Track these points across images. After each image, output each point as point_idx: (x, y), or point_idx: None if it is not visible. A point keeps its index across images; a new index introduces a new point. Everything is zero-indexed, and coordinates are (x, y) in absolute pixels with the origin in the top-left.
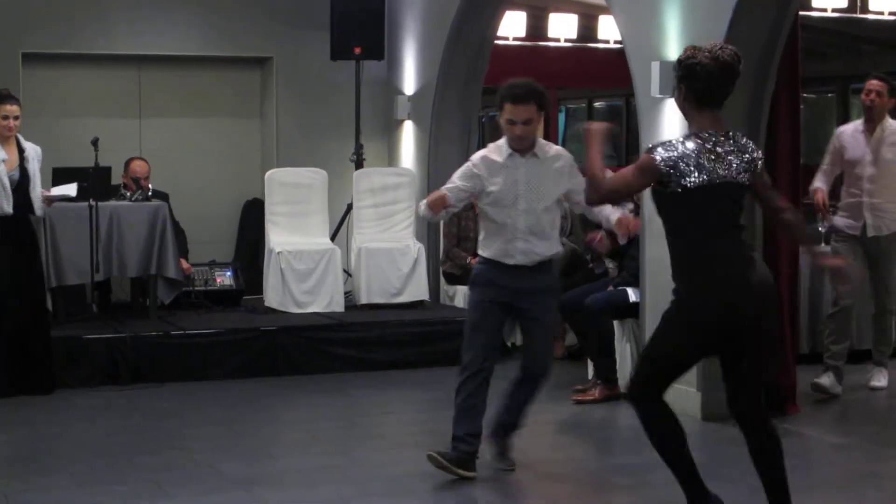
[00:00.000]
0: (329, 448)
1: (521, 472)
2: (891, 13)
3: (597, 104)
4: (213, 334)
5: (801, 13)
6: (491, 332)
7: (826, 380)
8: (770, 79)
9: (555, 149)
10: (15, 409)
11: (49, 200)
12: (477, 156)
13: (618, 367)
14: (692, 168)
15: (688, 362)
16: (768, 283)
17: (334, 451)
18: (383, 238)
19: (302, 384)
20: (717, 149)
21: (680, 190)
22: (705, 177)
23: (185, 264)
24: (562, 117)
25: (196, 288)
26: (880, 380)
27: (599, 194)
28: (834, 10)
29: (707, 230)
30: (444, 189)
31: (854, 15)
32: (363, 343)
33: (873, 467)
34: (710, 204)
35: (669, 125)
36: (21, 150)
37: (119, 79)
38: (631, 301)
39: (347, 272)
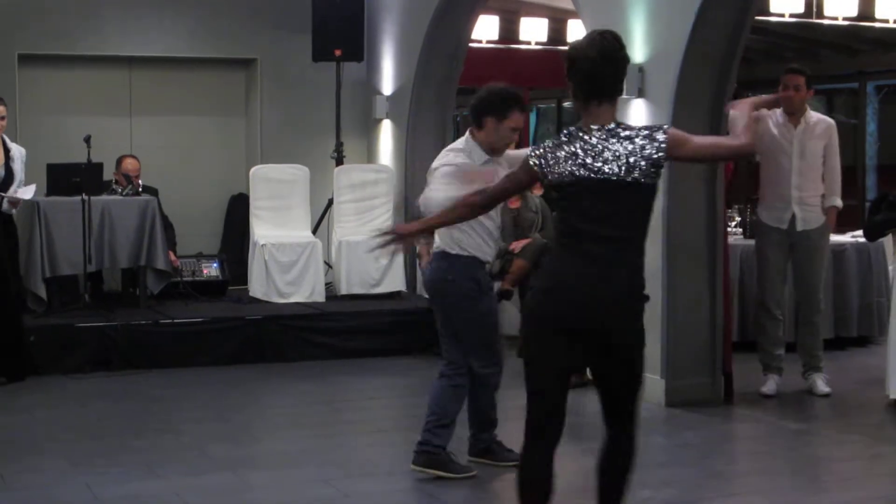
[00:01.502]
0: (312, 431)
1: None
2: (844, 18)
3: (566, 104)
4: (201, 323)
5: (761, 18)
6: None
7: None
8: (731, 79)
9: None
10: (11, 394)
11: (14, 202)
12: (457, 160)
13: None
14: (558, 163)
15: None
16: (617, 298)
17: (317, 434)
18: (362, 231)
19: (285, 371)
20: (595, 144)
21: (554, 182)
22: (567, 171)
23: (171, 257)
24: (533, 117)
25: (184, 279)
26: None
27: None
28: (791, 15)
29: (568, 228)
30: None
31: (810, 20)
32: (344, 332)
33: (829, 452)
34: (575, 202)
35: (635, 123)
36: (6, 150)
37: (111, 79)
38: None
39: (328, 264)
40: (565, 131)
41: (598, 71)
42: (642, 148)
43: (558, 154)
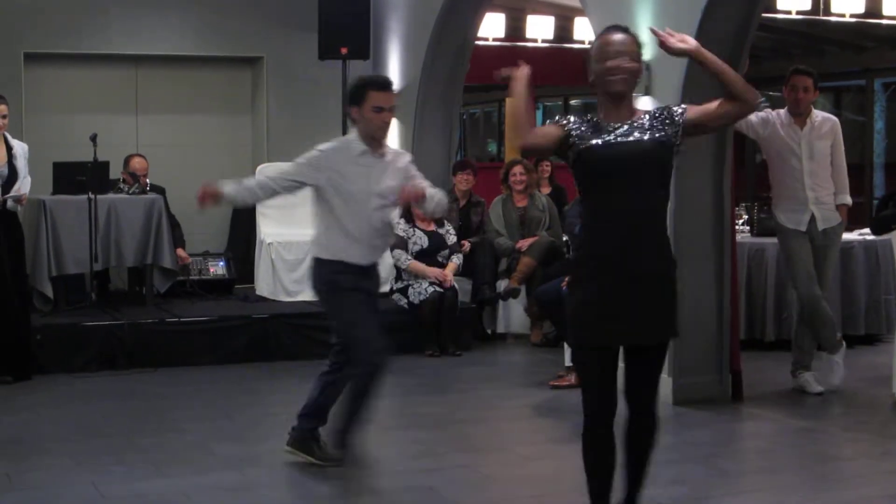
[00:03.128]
0: None
1: (498, 454)
2: (851, 15)
3: (573, 101)
4: (207, 321)
5: (768, 15)
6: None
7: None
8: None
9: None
10: (17, 393)
11: (18, 199)
12: (323, 146)
13: None
14: (589, 134)
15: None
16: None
17: (322, 432)
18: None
19: (291, 369)
20: (620, 126)
21: (583, 154)
22: (601, 141)
23: (182, 253)
24: (539, 114)
25: (190, 277)
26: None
27: (523, 139)
28: (798, 12)
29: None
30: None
31: (817, 17)
32: None
33: (837, 450)
34: (603, 175)
35: None
36: (9, 148)
37: (117, 77)
38: None
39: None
40: (591, 117)
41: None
42: (663, 116)
43: (586, 129)
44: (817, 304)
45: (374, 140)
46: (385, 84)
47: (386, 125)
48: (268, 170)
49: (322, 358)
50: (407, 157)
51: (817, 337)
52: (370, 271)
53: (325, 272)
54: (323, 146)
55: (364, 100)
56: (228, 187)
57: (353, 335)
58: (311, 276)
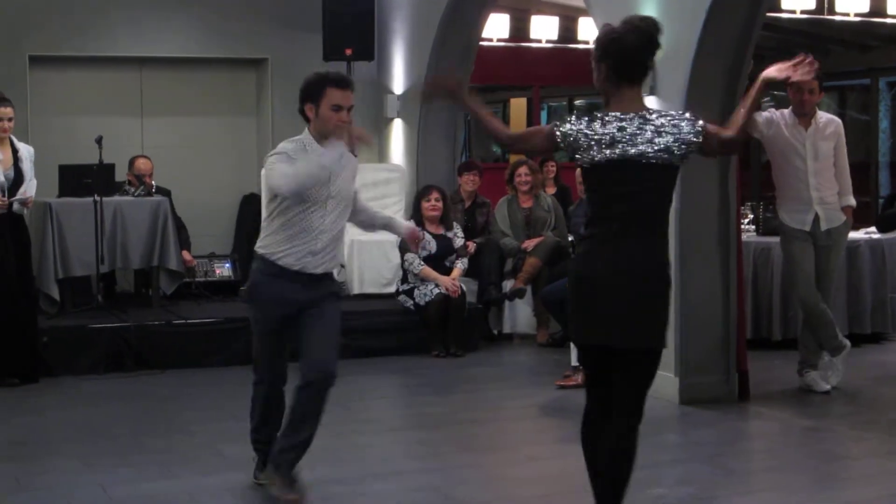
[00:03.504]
0: (325, 430)
1: (505, 454)
2: (856, 14)
3: (577, 102)
4: (213, 323)
5: (772, 14)
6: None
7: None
8: (743, 75)
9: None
10: (24, 396)
11: (24, 202)
12: (287, 146)
13: None
14: (591, 145)
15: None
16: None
17: (330, 433)
18: (375, 232)
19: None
20: (626, 128)
21: (587, 166)
22: (603, 155)
23: (188, 256)
24: (544, 115)
25: (196, 279)
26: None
27: (503, 138)
28: (803, 12)
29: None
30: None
31: (822, 16)
32: (356, 331)
33: (844, 449)
34: (606, 183)
35: None
36: (14, 151)
37: (122, 80)
38: None
39: (341, 264)
40: (597, 114)
41: (638, 54)
42: (678, 130)
43: (591, 136)
44: (815, 307)
45: (328, 140)
46: (345, 81)
47: (343, 125)
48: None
49: None
50: (354, 161)
51: (818, 339)
52: (322, 280)
53: (261, 271)
54: (282, 148)
55: (322, 97)
56: None
57: (266, 353)
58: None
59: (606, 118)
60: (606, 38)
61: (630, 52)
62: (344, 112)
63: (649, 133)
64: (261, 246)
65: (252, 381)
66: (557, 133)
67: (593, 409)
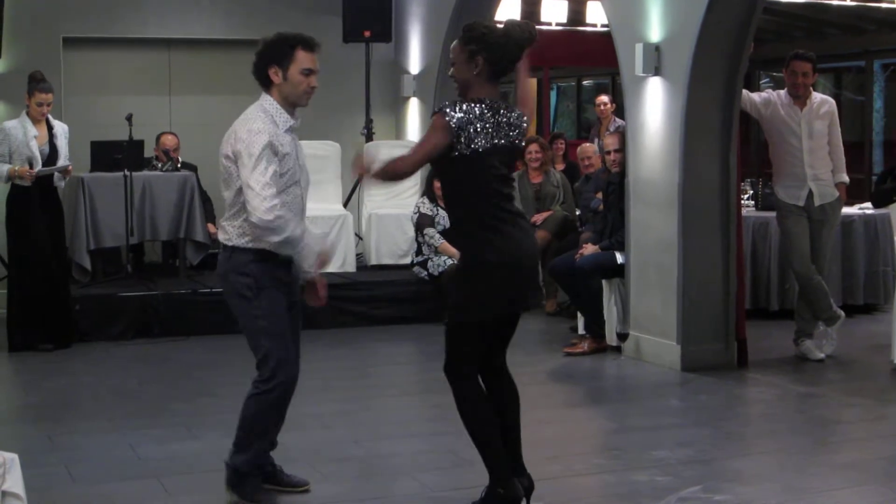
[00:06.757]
0: (343, 395)
1: None
2: None
3: (585, 82)
4: None
5: None
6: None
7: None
8: (744, 58)
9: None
10: (57, 360)
11: (64, 172)
12: (266, 128)
13: (605, 321)
14: (479, 131)
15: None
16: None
17: (348, 397)
18: (391, 205)
19: (318, 337)
20: (501, 115)
21: (468, 153)
22: (487, 141)
23: (213, 228)
24: (553, 95)
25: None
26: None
27: (410, 171)
28: None
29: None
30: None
31: (819, 1)
32: (373, 300)
33: (837, 414)
34: (490, 167)
35: (652, 100)
36: (50, 128)
37: (151, 60)
38: (618, 262)
39: (359, 236)
40: (484, 101)
41: (514, 55)
42: (519, 118)
43: (478, 124)
44: (810, 279)
45: (294, 108)
46: (315, 44)
47: (312, 91)
48: None
49: (346, 326)
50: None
51: (813, 309)
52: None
53: (243, 263)
54: (254, 126)
55: (291, 59)
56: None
57: (265, 345)
58: (224, 267)
59: (492, 104)
60: (492, 35)
61: (511, 53)
62: (314, 77)
63: (508, 118)
64: (235, 231)
65: (256, 392)
66: (452, 123)
67: (476, 368)
